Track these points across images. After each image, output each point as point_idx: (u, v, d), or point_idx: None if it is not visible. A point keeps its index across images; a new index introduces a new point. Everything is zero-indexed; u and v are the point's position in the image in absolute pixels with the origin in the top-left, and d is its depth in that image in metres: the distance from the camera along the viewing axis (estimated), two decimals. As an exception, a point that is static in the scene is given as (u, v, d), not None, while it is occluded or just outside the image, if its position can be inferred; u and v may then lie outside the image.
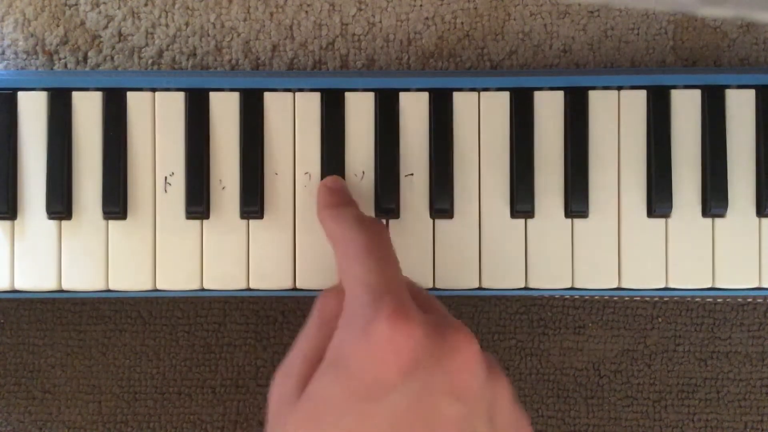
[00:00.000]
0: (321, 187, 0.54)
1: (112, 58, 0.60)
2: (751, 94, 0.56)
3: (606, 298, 0.59)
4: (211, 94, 0.56)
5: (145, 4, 0.60)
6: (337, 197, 0.53)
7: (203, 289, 0.56)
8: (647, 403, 0.60)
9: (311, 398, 0.45)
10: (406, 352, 0.43)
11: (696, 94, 0.56)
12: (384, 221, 0.52)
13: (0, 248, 0.55)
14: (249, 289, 0.56)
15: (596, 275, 0.55)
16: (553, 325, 0.60)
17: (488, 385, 0.45)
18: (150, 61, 0.60)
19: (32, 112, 0.55)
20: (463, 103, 0.56)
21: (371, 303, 0.45)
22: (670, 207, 0.55)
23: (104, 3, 0.60)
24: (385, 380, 0.43)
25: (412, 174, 0.55)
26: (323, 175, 0.55)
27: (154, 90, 0.56)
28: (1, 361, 0.60)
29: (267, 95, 0.56)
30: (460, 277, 0.55)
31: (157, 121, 0.56)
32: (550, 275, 0.55)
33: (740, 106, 0.55)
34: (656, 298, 0.59)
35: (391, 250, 0.48)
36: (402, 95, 0.56)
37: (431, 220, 0.55)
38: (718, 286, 0.55)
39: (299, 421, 0.45)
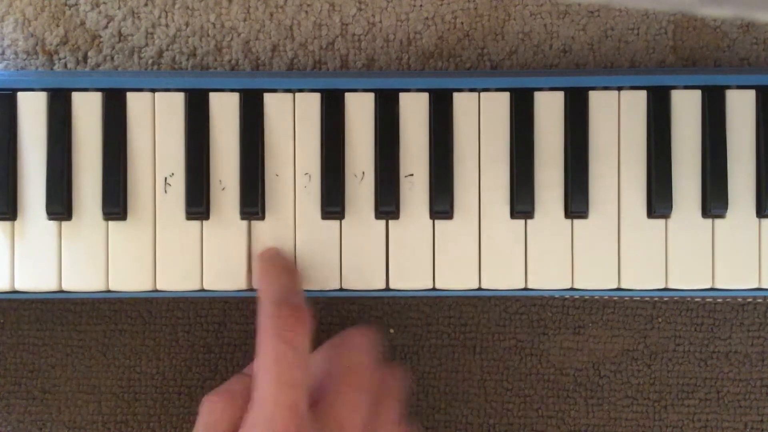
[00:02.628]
0: (258, 259, 0.55)
1: (112, 58, 0.60)
2: (751, 94, 0.56)
3: (606, 298, 0.59)
4: (211, 95, 0.56)
5: (145, 4, 0.60)
6: (276, 264, 0.55)
7: (203, 289, 0.56)
8: (647, 403, 0.60)
9: None
10: None
11: (696, 95, 0.56)
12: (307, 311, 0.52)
13: (0, 249, 0.55)
14: (249, 289, 0.56)
15: (596, 275, 0.55)
16: (553, 325, 0.60)
17: None
18: (150, 61, 0.60)
19: (32, 112, 0.55)
20: (463, 103, 0.56)
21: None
22: (670, 207, 0.55)
23: (104, 3, 0.60)
24: None
25: (412, 174, 0.55)
26: (323, 175, 0.55)
27: (154, 90, 0.56)
28: (1, 361, 0.60)
29: (267, 95, 0.56)
30: (460, 278, 0.55)
31: (157, 122, 0.56)
32: (550, 275, 0.55)
33: (740, 106, 0.55)
34: (656, 298, 0.59)
35: (299, 366, 0.50)
36: (402, 95, 0.56)
37: (431, 221, 0.55)
38: (718, 286, 0.55)
39: None
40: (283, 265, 0.54)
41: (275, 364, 0.50)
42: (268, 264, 0.54)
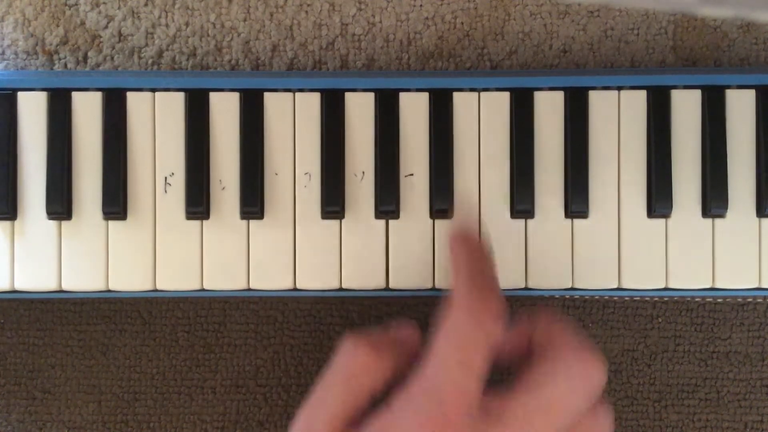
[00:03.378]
0: (454, 233, 0.51)
1: (112, 58, 0.60)
2: (751, 94, 0.56)
3: (606, 298, 0.59)
4: (211, 95, 0.56)
5: (145, 4, 0.60)
6: (479, 247, 0.51)
7: (203, 289, 0.56)
8: (647, 403, 0.60)
9: None
10: None
11: (696, 94, 0.56)
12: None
13: (0, 248, 0.55)
14: (249, 289, 0.56)
15: (596, 275, 0.55)
16: (553, 325, 0.60)
17: None
18: (150, 61, 0.60)
19: (32, 112, 0.55)
20: (463, 103, 0.56)
21: (428, 408, 0.45)
22: (670, 207, 0.55)
23: (104, 3, 0.60)
24: None
25: (412, 174, 0.55)
26: (323, 175, 0.55)
27: (154, 90, 0.56)
28: (1, 361, 0.60)
29: (267, 95, 0.56)
30: (460, 277, 0.55)
31: (157, 122, 0.56)
32: (550, 275, 0.55)
33: (740, 106, 0.55)
34: (656, 298, 0.59)
35: (485, 360, 0.47)
36: (402, 95, 0.56)
37: (431, 221, 0.55)
38: (718, 286, 0.55)
39: None
40: (487, 253, 0.51)
41: (464, 344, 0.46)
42: (470, 242, 0.50)
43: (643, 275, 0.55)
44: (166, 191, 0.55)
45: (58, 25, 0.60)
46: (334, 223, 0.55)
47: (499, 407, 0.46)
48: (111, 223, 0.55)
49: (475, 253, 0.50)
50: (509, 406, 0.47)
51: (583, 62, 0.60)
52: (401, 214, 0.55)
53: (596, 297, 0.59)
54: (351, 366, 0.47)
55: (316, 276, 0.55)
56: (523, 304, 0.60)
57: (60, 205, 0.55)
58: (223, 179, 0.55)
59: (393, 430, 0.45)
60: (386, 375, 0.47)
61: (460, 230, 0.51)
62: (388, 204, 0.55)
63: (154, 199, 0.55)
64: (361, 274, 0.55)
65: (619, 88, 0.56)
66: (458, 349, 0.46)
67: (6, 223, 0.55)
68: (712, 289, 0.56)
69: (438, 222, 0.55)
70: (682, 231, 0.55)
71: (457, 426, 0.45)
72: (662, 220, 0.55)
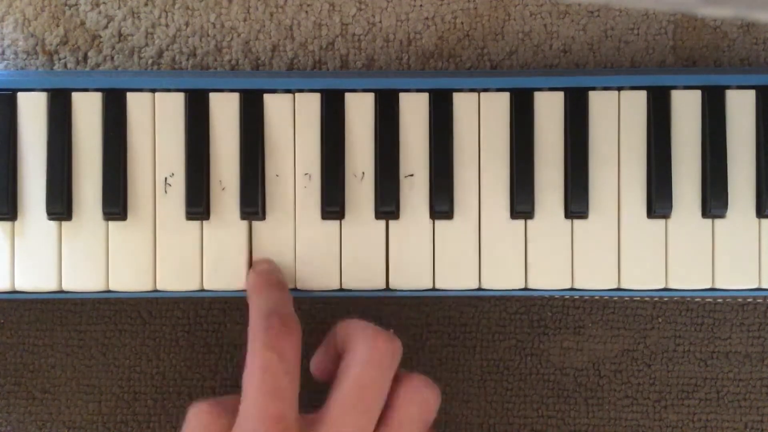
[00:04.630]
0: (251, 270, 0.55)
1: (112, 58, 0.60)
2: (751, 94, 0.56)
3: (606, 298, 0.59)
4: (211, 95, 0.56)
5: (145, 4, 0.60)
6: (265, 277, 0.54)
7: (203, 289, 0.56)
8: (647, 403, 0.60)
9: None
10: None
11: (696, 95, 0.56)
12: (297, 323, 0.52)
13: (0, 249, 0.55)
14: (249, 290, 0.56)
15: (596, 276, 0.55)
16: (553, 325, 0.60)
17: None
18: (150, 61, 0.60)
19: (32, 112, 0.55)
20: (463, 103, 0.56)
21: None
22: (670, 207, 0.55)
23: (104, 3, 0.60)
24: None
25: (412, 174, 0.55)
26: (323, 176, 0.55)
27: (154, 90, 0.56)
28: (1, 361, 0.60)
29: (267, 96, 0.56)
30: (460, 278, 0.55)
31: (157, 122, 0.56)
32: (550, 275, 0.55)
33: (740, 106, 0.55)
34: (656, 298, 0.59)
35: (288, 376, 0.49)
36: (402, 95, 0.56)
37: (431, 221, 0.55)
38: (718, 286, 0.55)
39: None
40: (276, 280, 0.54)
41: (262, 373, 0.49)
42: (260, 278, 0.54)
43: (643, 275, 0.55)
44: (166, 191, 0.55)
45: (58, 25, 0.60)
46: (334, 223, 0.55)
47: (314, 417, 0.49)
48: (111, 223, 0.55)
49: (266, 285, 0.53)
50: (322, 411, 0.49)
51: (583, 62, 0.60)
52: (401, 214, 0.55)
53: (596, 297, 0.59)
54: (195, 426, 0.50)
55: (316, 276, 0.55)
56: (524, 305, 0.60)
57: (60, 205, 0.55)
58: (223, 179, 0.55)
59: None
60: (233, 424, 0.49)
61: (257, 265, 0.55)
62: (388, 204, 0.55)
63: (154, 199, 0.55)
64: (361, 274, 0.55)
65: (619, 89, 0.56)
66: (258, 379, 0.49)
67: (6, 224, 0.55)
68: (712, 289, 0.56)
69: (438, 222, 0.55)
70: (682, 231, 0.55)
71: None
72: (662, 221, 0.55)
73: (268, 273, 0.54)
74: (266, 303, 0.52)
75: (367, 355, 0.50)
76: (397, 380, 0.51)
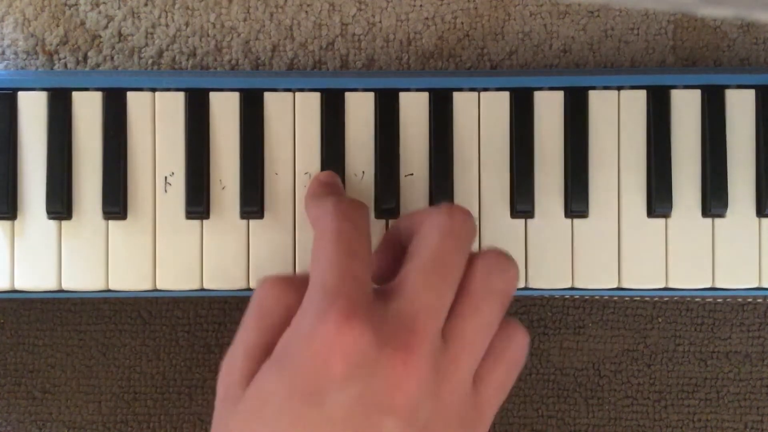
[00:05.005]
0: (313, 180, 0.54)
1: (112, 58, 0.60)
2: (751, 94, 0.56)
3: (606, 298, 0.59)
4: (211, 94, 0.56)
5: (145, 4, 0.60)
6: (326, 189, 0.53)
7: (203, 289, 0.56)
8: (647, 403, 0.60)
9: (253, 396, 0.44)
10: (347, 358, 0.42)
11: (696, 94, 0.56)
12: (366, 208, 0.49)
13: (0, 248, 0.55)
14: (249, 289, 0.56)
15: (596, 275, 0.55)
16: (553, 325, 0.60)
17: (429, 404, 0.44)
18: (150, 61, 0.60)
19: (32, 112, 0.55)
20: (463, 103, 0.56)
21: (323, 304, 0.43)
22: (670, 207, 0.55)
23: (104, 3, 0.60)
24: (324, 386, 0.42)
25: (412, 174, 0.55)
26: (323, 175, 0.55)
27: (154, 90, 0.56)
28: (1, 361, 0.60)
29: (267, 95, 0.56)
30: (460, 277, 0.55)
31: (157, 121, 0.56)
32: (550, 275, 0.55)
33: (740, 106, 0.55)
34: (656, 298, 0.59)
35: (362, 241, 0.47)
36: (402, 95, 0.56)
37: (431, 220, 0.55)
38: (718, 286, 0.55)
39: (240, 419, 0.44)
40: (336, 190, 0.53)
41: (337, 236, 0.46)
42: (321, 187, 0.53)
43: (643, 275, 0.55)
44: (166, 191, 0.55)
45: (58, 25, 0.60)
46: (334, 222, 0.55)
47: (391, 286, 0.46)
48: (111, 222, 0.55)
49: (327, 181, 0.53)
50: (398, 279, 0.46)
51: (583, 62, 0.60)
52: (401, 214, 0.55)
53: (596, 297, 0.59)
54: (262, 301, 0.47)
55: (316, 276, 0.55)
56: (524, 305, 0.60)
57: (60, 204, 0.55)
58: (223, 179, 0.55)
59: (295, 339, 0.44)
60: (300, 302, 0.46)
61: (320, 175, 0.54)
62: (388, 204, 0.55)
63: (154, 199, 0.55)
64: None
65: (619, 88, 0.56)
66: (331, 241, 0.46)
67: (6, 223, 0.55)
68: (712, 289, 0.56)
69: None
70: (682, 231, 0.55)
71: (356, 305, 0.43)
72: (662, 220, 0.55)
73: (332, 185, 0.53)
74: (328, 194, 0.50)
75: (445, 225, 0.47)
76: (471, 255, 0.48)
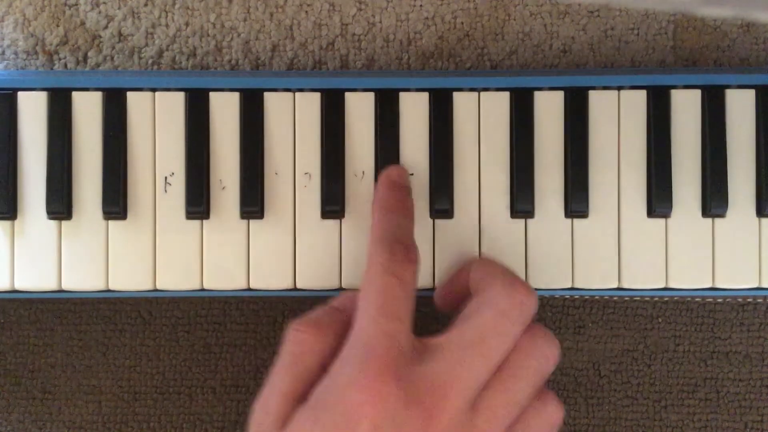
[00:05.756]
0: (383, 179, 0.54)
1: (112, 58, 0.60)
2: (751, 94, 0.56)
3: (606, 298, 0.59)
4: (211, 94, 0.56)
5: (145, 4, 0.60)
6: (397, 195, 0.53)
7: (203, 289, 0.56)
8: (647, 403, 0.60)
9: None
10: (377, 414, 0.45)
11: (696, 94, 0.56)
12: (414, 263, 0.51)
13: (0, 248, 0.55)
14: (249, 289, 0.56)
15: (596, 275, 0.55)
16: (553, 325, 0.60)
17: None
18: (150, 61, 0.60)
19: (32, 112, 0.55)
20: (463, 103, 0.56)
21: (362, 359, 0.46)
22: (670, 207, 0.55)
23: (104, 3, 0.60)
24: None
25: (412, 174, 0.55)
26: (323, 175, 0.55)
27: (154, 90, 0.56)
28: (1, 361, 0.60)
29: (267, 95, 0.56)
30: (460, 277, 0.55)
31: (157, 121, 0.56)
32: (550, 275, 0.55)
33: (740, 106, 0.55)
34: (656, 298, 0.59)
35: (407, 302, 0.49)
36: (402, 95, 0.56)
37: (431, 220, 0.55)
38: (718, 286, 0.55)
39: None
40: (407, 202, 0.54)
41: (380, 294, 0.48)
42: (393, 195, 0.53)
43: (643, 275, 0.55)
44: (166, 191, 0.55)
45: (58, 25, 0.60)
46: (334, 223, 0.55)
47: (431, 343, 0.48)
48: (111, 223, 0.55)
49: (393, 202, 0.53)
50: (441, 341, 0.48)
51: (583, 62, 0.60)
52: (401, 214, 0.55)
53: (596, 297, 0.59)
54: (294, 349, 0.49)
55: (316, 276, 0.55)
56: (523, 304, 0.60)
57: (60, 204, 0.55)
58: (223, 179, 0.55)
59: (332, 390, 0.47)
60: (333, 346, 0.49)
61: (392, 174, 0.54)
62: (388, 204, 0.55)
63: (154, 199, 0.55)
64: (362, 274, 0.55)
65: (619, 88, 0.56)
66: (376, 299, 0.48)
67: (6, 223, 0.55)
68: (712, 289, 0.56)
69: (438, 221, 0.55)
70: (682, 231, 0.55)
71: (390, 365, 0.46)
72: (662, 220, 0.55)
73: (401, 189, 0.54)
74: (391, 227, 0.52)
75: (502, 304, 0.49)
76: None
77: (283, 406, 0.48)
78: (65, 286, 0.55)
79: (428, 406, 0.46)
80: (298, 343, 0.49)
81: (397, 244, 0.50)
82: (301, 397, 0.48)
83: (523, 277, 0.55)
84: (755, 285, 0.55)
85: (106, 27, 0.60)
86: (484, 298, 0.50)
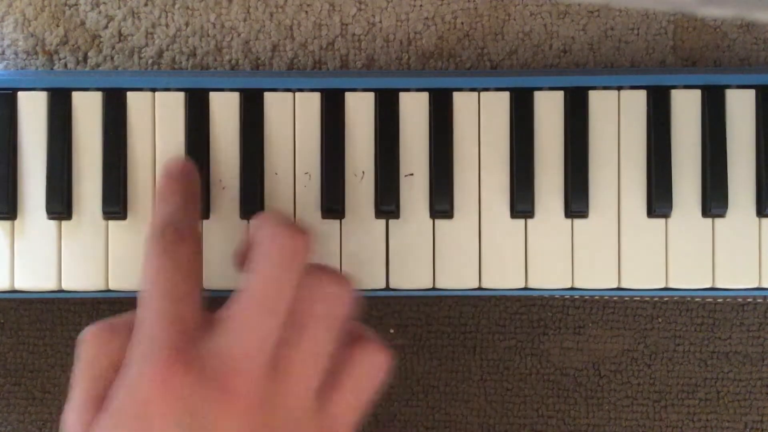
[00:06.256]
0: (161, 169, 0.52)
1: (112, 58, 0.60)
2: (751, 94, 0.56)
3: (606, 298, 0.59)
4: (211, 94, 0.56)
5: (145, 4, 0.60)
6: (175, 187, 0.51)
7: (203, 289, 0.55)
8: (647, 403, 0.60)
9: None
10: (170, 405, 0.43)
11: (696, 94, 0.56)
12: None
13: (0, 248, 0.55)
14: (249, 289, 0.56)
15: (596, 275, 0.55)
16: (553, 325, 0.60)
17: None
18: (150, 61, 0.60)
19: (32, 112, 0.55)
20: (463, 103, 0.56)
21: (146, 352, 0.44)
22: (670, 207, 0.55)
23: (104, 3, 0.60)
24: None
25: (412, 174, 0.55)
26: (323, 175, 0.55)
27: (154, 90, 0.56)
28: (1, 361, 0.60)
29: (267, 95, 0.56)
30: (460, 277, 0.55)
31: (157, 121, 0.56)
32: (550, 275, 0.55)
33: (740, 106, 0.55)
34: (656, 298, 0.59)
35: (187, 280, 0.47)
36: (402, 95, 0.56)
37: (431, 220, 0.55)
38: (718, 286, 0.55)
39: None
40: (176, 188, 0.51)
41: (156, 279, 0.46)
42: (168, 183, 0.51)
43: (643, 275, 0.55)
44: (166, 191, 0.55)
45: (58, 25, 0.60)
46: (334, 223, 0.55)
47: (218, 316, 0.46)
48: (111, 223, 0.55)
49: (168, 190, 0.51)
50: (226, 308, 0.46)
51: (583, 62, 0.60)
52: (401, 214, 0.55)
53: (596, 297, 0.59)
54: (86, 352, 0.47)
55: (316, 276, 0.55)
56: (524, 305, 0.60)
57: (60, 204, 0.55)
58: (223, 179, 0.55)
59: (123, 391, 0.45)
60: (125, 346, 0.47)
61: (169, 165, 0.52)
62: (388, 204, 0.55)
63: (154, 198, 0.55)
64: (361, 274, 0.55)
65: (619, 88, 0.56)
66: (153, 286, 0.46)
67: (6, 223, 0.55)
68: (712, 289, 0.56)
69: (438, 221, 0.55)
70: (682, 231, 0.55)
71: (175, 351, 0.44)
72: (662, 220, 0.55)
73: (175, 178, 0.51)
74: (164, 215, 0.49)
75: (271, 253, 0.46)
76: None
77: (83, 414, 0.46)
78: (65, 286, 0.55)
79: (223, 382, 0.43)
80: (88, 347, 0.47)
81: (167, 227, 0.48)
82: (101, 403, 0.46)
83: (523, 276, 0.55)
84: (755, 285, 0.55)
85: (106, 27, 0.60)
86: (255, 254, 0.47)
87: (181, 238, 0.48)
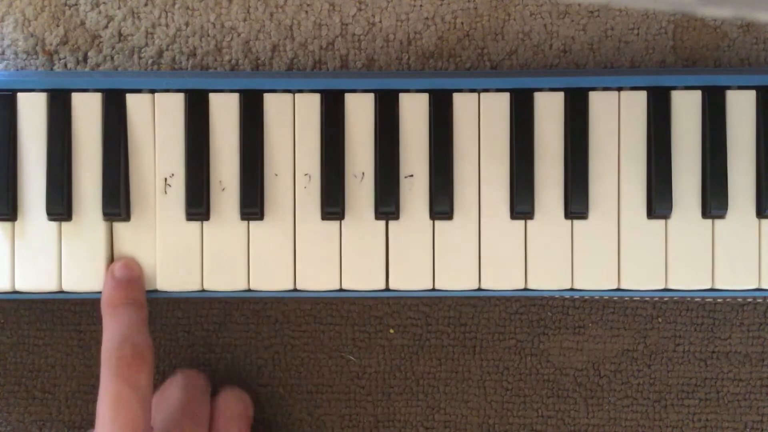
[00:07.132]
0: (107, 275, 0.55)
1: (112, 58, 0.60)
2: (751, 94, 0.56)
3: (606, 298, 0.59)
4: (211, 95, 0.56)
5: (145, 4, 0.60)
6: (122, 292, 0.54)
7: (203, 290, 0.56)
8: (647, 403, 0.60)
9: None
10: None
11: (696, 95, 0.56)
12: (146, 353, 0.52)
13: (0, 249, 0.55)
14: (249, 290, 0.56)
15: (596, 275, 0.55)
16: (553, 325, 0.60)
17: None
18: (150, 61, 0.60)
19: (32, 113, 0.55)
20: (463, 103, 0.56)
21: None
22: (670, 208, 0.55)
23: (104, 3, 0.60)
24: None
25: (412, 175, 0.55)
26: (323, 176, 0.55)
27: (153, 91, 0.56)
28: (1, 361, 0.60)
29: (267, 96, 0.56)
30: (460, 278, 0.55)
31: (157, 122, 0.56)
32: (550, 276, 0.55)
33: (740, 106, 0.55)
34: (656, 298, 0.59)
35: (141, 406, 0.50)
36: (402, 96, 0.56)
37: (431, 221, 0.55)
38: (717, 287, 0.55)
39: None
40: (134, 293, 0.54)
41: (113, 405, 0.50)
42: (117, 293, 0.54)
43: (643, 275, 0.55)
44: (166, 192, 0.55)
45: (58, 25, 0.60)
46: (334, 223, 0.55)
47: None
48: (111, 224, 0.55)
49: (120, 300, 0.54)
50: None
51: (583, 62, 0.60)
52: (401, 214, 0.55)
53: (596, 297, 0.59)
54: None
55: (316, 276, 0.55)
56: (524, 305, 0.60)
57: (60, 205, 0.55)
58: (223, 180, 0.55)
59: None
60: None
61: (114, 269, 0.55)
62: (388, 204, 0.55)
63: (154, 200, 0.55)
64: (361, 275, 0.55)
65: (619, 89, 0.56)
66: (110, 412, 0.50)
67: (6, 224, 0.55)
68: (712, 289, 0.56)
69: (438, 222, 0.55)
70: (682, 231, 0.55)
71: None
72: (662, 221, 0.55)
73: (127, 284, 0.54)
74: (119, 327, 0.52)
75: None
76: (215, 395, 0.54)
77: None
78: (65, 287, 0.55)
79: None
80: None
81: (125, 344, 0.51)
82: None
83: (523, 277, 0.55)
84: (755, 286, 0.55)
85: (106, 27, 0.60)
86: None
87: (139, 359, 0.51)
